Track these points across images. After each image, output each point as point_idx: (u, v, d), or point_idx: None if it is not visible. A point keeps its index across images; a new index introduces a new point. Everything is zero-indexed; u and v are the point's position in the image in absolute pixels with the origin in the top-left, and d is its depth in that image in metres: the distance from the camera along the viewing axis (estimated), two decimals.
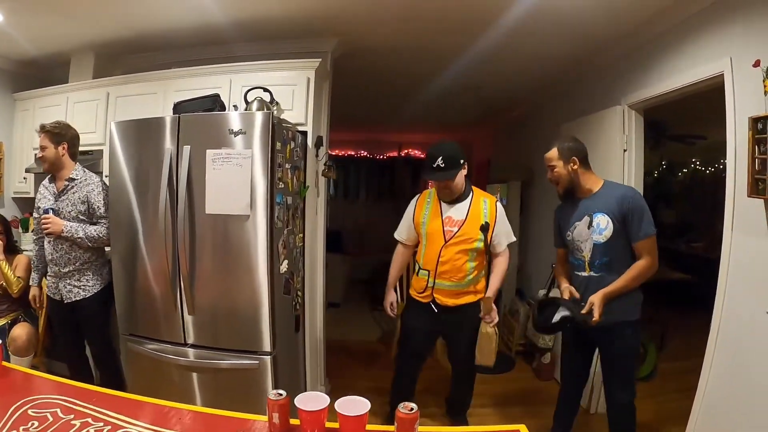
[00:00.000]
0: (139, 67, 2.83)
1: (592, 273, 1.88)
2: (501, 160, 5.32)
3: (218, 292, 2.01)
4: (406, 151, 7.14)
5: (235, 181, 1.90)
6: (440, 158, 2.01)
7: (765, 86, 1.62)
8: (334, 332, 3.44)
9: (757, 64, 1.66)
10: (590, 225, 1.86)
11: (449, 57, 3.04)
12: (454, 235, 2.11)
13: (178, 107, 2.19)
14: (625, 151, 2.53)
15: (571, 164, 1.89)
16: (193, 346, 2.07)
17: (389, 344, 2.85)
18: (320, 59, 2.45)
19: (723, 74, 1.84)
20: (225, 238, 1.97)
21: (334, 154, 6.98)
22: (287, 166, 2.14)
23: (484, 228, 2.11)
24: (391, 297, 2.36)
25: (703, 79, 1.98)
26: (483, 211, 2.14)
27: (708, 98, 2.01)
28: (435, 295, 2.17)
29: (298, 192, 2.37)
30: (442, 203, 2.17)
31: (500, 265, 2.23)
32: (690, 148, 5.06)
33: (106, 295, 2.25)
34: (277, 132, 1.97)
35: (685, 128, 4.51)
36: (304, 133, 2.43)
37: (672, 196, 5.85)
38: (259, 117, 1.91)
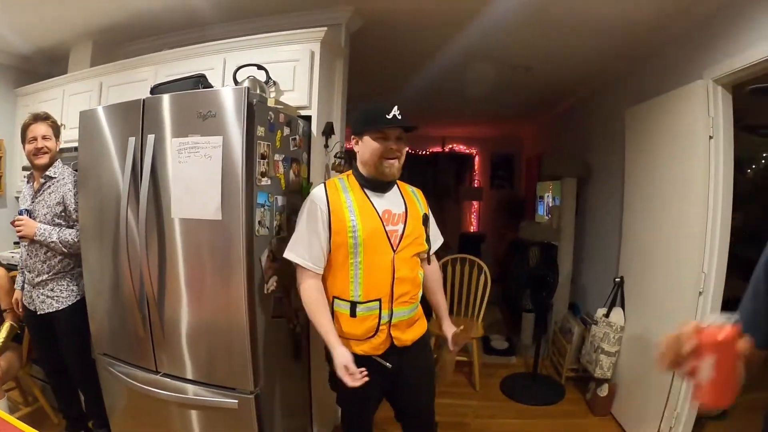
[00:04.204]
0: (136, 54, 2.54)
1: None
2: (554, 155, 4.71)
3: (190, 315, 1.63)
4: (450, 146, 6.66)
5: (204, 177, 1.50)
6: (396, 107, 1.38)
7: None
8: None
9: None
10: None
11: (494, 31, 2.50)
12: (402, 235, 1.45)
13: (156, 92, 1.83)
14: (711, 138, 2.00)
15: None
16: (166, 375, 1.72)
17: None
18: (326, 28, 2.02)
19: None
20: (197, 249, 1.59)
21: None
22: (277, 157, 1.72)
23: (425, 220, 1.55)
24: (346, 355, 1.35)
25: None
26: (415, 199, 1.58)
27: None
28: (393, 334, 1.45)
29: (299, 190, 1.96)
30: (368, 193, 1.46)
31: (438, 273, 1.71)
32: (763, 140, 4.21)
33: (82, 307, 1.96)
34: (258, 114, 1.55)
35: (762, 117, 3.68)
36: (308, 119, 2.02)
37: (739, 197, 5.01)
38: (229, 94, 1.49)
